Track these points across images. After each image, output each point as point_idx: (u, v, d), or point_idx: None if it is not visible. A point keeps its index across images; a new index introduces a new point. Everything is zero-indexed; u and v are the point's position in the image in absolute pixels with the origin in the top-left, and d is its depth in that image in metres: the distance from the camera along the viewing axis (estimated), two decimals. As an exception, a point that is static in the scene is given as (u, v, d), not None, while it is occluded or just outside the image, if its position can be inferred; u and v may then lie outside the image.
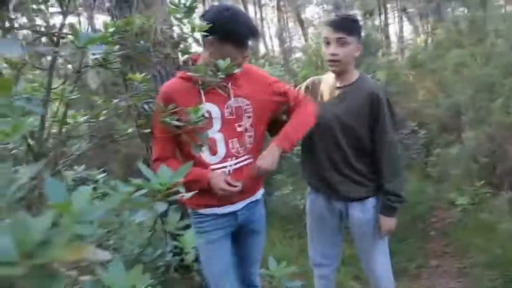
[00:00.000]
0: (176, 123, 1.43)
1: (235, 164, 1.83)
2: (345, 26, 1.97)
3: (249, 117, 1.84)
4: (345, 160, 2.07)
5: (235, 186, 1.74)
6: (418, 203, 4.08)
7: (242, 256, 2.09)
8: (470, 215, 3.78)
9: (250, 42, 1.80)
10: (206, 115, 1.70)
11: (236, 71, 1.74)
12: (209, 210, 1.89)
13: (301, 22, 15.23)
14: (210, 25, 1.59)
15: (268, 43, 15.78)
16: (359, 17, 9.85)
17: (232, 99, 1.80)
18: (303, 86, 2.25)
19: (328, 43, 2.00)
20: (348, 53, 1.99)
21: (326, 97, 2.12)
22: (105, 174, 2.95)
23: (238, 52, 1.75)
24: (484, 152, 4.09)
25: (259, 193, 2.03)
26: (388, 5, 21.65)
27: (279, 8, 14.92)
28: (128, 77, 1.61)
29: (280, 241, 3.46)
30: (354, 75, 2.09)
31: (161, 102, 1.67)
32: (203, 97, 1.75)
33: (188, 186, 1.68)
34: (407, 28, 19.33)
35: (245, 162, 1.85)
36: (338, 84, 2.09)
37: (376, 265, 2.18)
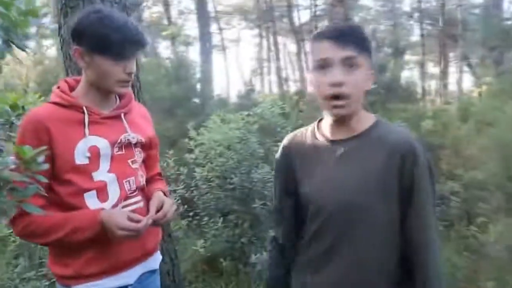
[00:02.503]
0: None
1: (123, 207, 1.51)
2: (354, 38, 1.23)
3: (140, 152, 1.60)
4: (357, 257, 1.28)
5: (138, 222, 1.41)
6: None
7: None
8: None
9: (132, 53, 1.45)
10: (88, 154, 1.42)
11: (120, 91, 1.49)
12: (91, 285, 1.46)
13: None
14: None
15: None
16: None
17: (129, 132, 1.53)
18: (278, 155, 1.50)
19: (325, 66, 1.23)
20: (360, 82, 1.23)
21: (315, 164, 1.35)
22: None
23: (117, 66, 1.41)
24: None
25: (157, 259, 1.67)
26: (451, 54, 20.67)
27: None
28: None
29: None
30: (366, 120, 1.31)
31: (28, 135, 1.36)
32: (87, 129, 1.43)
33: (68, 240, 1.40)
34: (468, 78, 18.23)
35: (134, 206, 1.54)
36: (337, 137, 1.31)
37: None
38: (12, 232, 2.70)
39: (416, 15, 19.93)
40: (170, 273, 2.86)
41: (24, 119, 1.40)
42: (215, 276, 3.47)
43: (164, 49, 20.09)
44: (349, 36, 1.22)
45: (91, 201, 1.43)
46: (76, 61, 1.45)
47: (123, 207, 1.50)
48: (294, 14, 22.30)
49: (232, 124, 3.53)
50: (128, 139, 1.52)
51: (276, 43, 23.73)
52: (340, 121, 1.29)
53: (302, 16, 22.97)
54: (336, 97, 1.21)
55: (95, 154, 1.43)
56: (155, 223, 1.50)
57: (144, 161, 1.65)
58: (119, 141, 1.49)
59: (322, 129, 1.37)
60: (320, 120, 1.41)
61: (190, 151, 3.82)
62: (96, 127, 1.44)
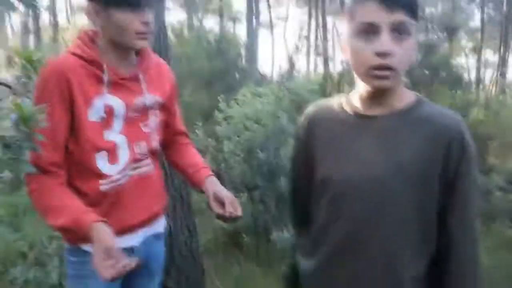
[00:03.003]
0: None
1: (132, 169, 1.48)
2: (404, 0, 1.04)
3: (156, 115, 1.55)
4: (391, 255, 1.12)
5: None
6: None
7: None
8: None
9: (146, 2, 1.37)
10: (102, 112, 1.39)
11: (140, 44, 1.39)
12: None
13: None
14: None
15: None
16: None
17: (146, 94, 1.48)
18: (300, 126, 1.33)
19: (370, 32, 1.04)
20: (409, 53, 1.07)
21: (341, 141, 1.21)
22: None
23: (134, 16, 1.35)
24: None
25: (162, 223, 1.66)
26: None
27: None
28: None
29: None
30: (406, 97, 1.15)
31: (50, 87, 1.31)
32: (105, 87, 1.38)
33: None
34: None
35: (144, 169, 1.52)
36: (371, 112, 1.15)
37: None
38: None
39: (477, -2, 18.82)
40: (188, 243, 2.84)
41: (45, 70, 1.34)
42: (236, 250, 3.44)
43: (212, 24, 20.15)
44: None
45: (101, 162, 1.40)
46: (91, 19, 1.38)
47: (132, 169, 1.48)
48: (345, -7, 21.68)
49: (263, 98, 3.41)
50: (144, 102, 1.48)
51: (324, 23, 23.20)
52: (378, 95, 1.11)
53: (354, -4, 22.29)
54: (380, 67, 1.04)
55: (109, 113, 1.39)
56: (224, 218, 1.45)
57: (164, 121, 1.61)
58: (134, 102, 1.45)
59: (353, 103, 1.19)
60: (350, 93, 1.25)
61: (220, 123, 3.77)
62: (113, 86, 1.40)
